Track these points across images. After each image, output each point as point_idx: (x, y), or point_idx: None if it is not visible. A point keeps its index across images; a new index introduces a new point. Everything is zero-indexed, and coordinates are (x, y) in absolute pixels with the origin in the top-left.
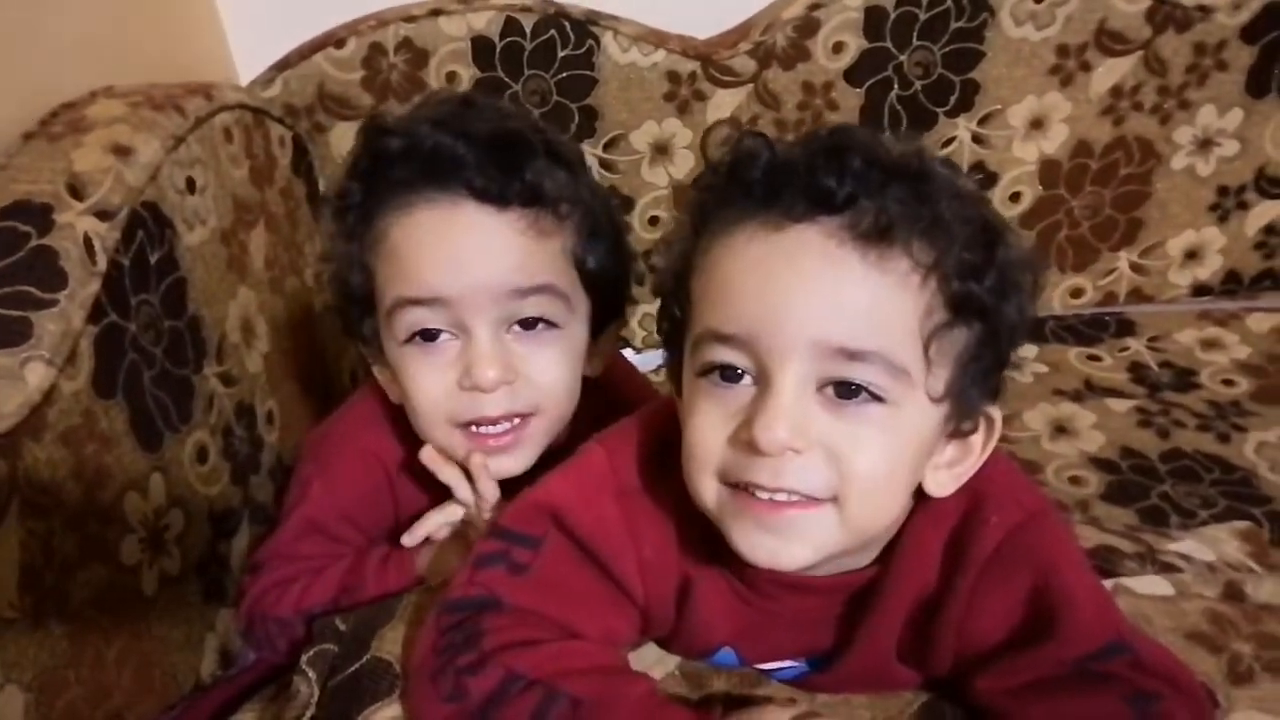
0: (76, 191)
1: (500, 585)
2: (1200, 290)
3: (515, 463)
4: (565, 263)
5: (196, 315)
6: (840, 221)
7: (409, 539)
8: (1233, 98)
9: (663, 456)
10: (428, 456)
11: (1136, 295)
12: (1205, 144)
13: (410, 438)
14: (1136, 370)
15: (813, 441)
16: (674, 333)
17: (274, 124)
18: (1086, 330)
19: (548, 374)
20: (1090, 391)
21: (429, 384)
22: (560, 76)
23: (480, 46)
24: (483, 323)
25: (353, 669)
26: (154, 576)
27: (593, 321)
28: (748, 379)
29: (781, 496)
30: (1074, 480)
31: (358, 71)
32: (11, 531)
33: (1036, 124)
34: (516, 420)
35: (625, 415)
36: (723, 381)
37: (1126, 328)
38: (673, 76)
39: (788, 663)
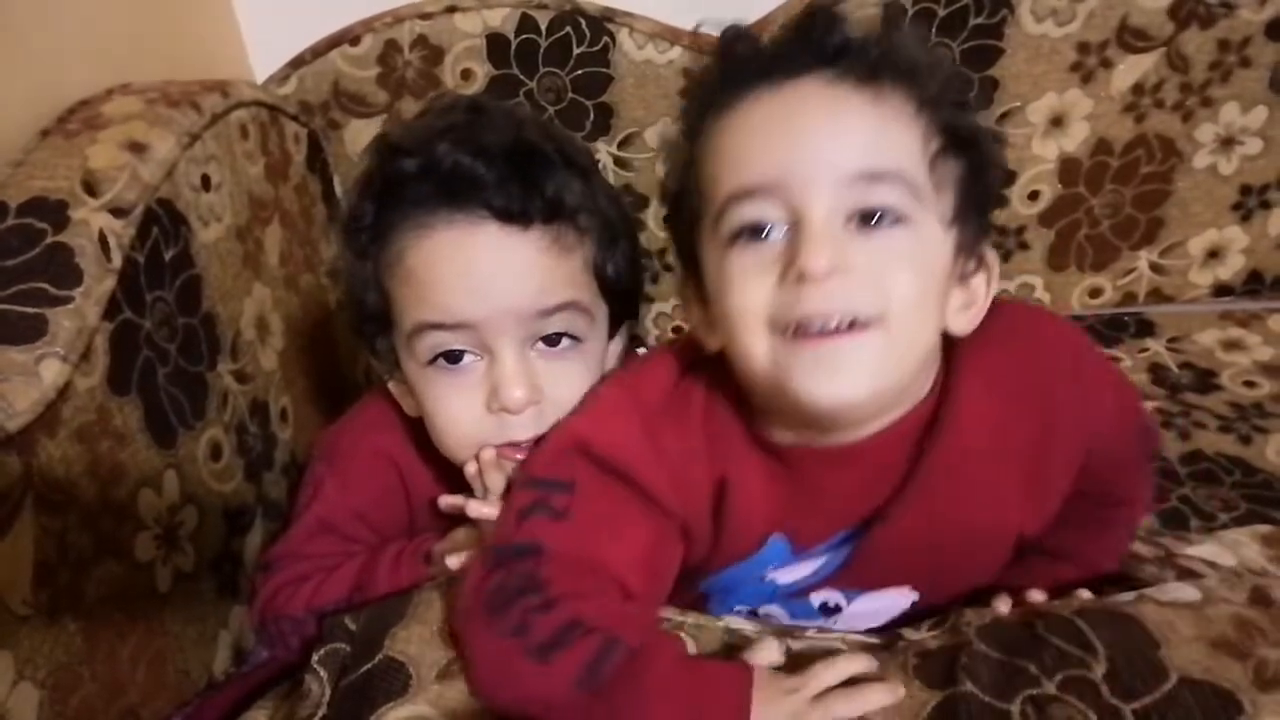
0: (92, 188)
1: (546, 534)
2: (1222, 290)
3: None
4: (586, 276)
5: (211, 312)
6: (835, 71)
7: (454, 562)
8: (1256, 95)
9: (679, 374)
10: (447, 504)
11: (1156, 295)
12: (1228, 142)
13: (422, 439)
14: (1156, 371)
15: (852, 266)
16: (689, 228)
17: (289, 121)
18: (1106, 331)
19: (572, 391)
20: None
21: (455, 408)
22: (575, 74)
23: (495, 43)
24: (508, 344)
25: (365, 669)
26: (168, 573)
27: (613, 318)
28: (777, 232)
29: (834, 322)
30: None
31: (373, 69)
32: (26, 528)
33: (1056, 121)
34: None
35: None
36: (754, 239)
37: (1146, 328)
38: (689, 73)
39: (834, 540)
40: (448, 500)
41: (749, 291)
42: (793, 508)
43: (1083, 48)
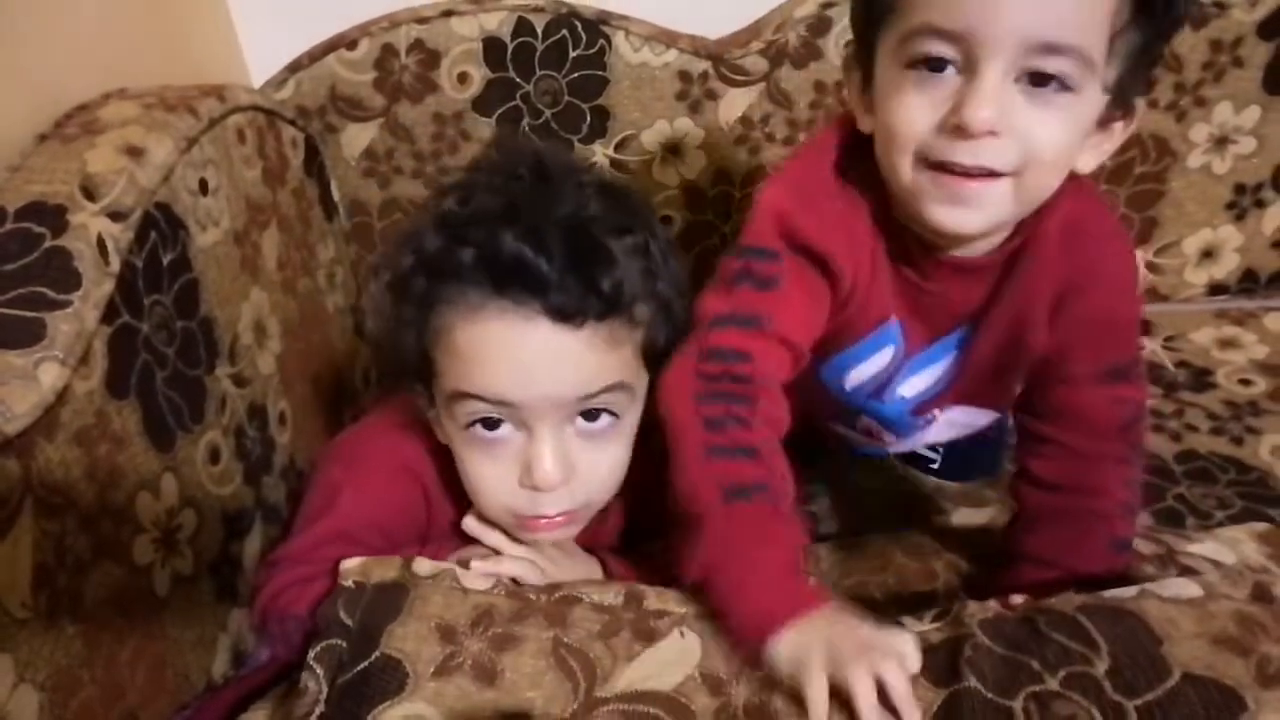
0: (90, 193)
1: (757, 304)
2: (1217, 289)
3: (563, 535)
4: (635, 360)
5: (209, 316)
6: None
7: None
8: (1250, 94)
9: (846, 163)
10: (471, 526)
11: (1152, 294)
12: (1222, 141)
13: (447, 452)
14: (1153, 370)
15: (1009, 126)
16: (873, 24)
17: (286, 125)
18: None
19: (605, 470)
20: None
21: (489, 477)
22: (572, 76)
23: (492, 47)
24: (545, 424)
25: (361, 667)
26: (167, 576)
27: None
28: (952, 70)
29: (974, 170)
30: None
31: (370, 73)
32: (25, 531)
33: None
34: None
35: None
36: (930, 72)
37: (1142, 327)
38: (684, 76)
39: (936, 348)
40: (473, 526)
41: (913, 119)
42: (914, 308)
43: None
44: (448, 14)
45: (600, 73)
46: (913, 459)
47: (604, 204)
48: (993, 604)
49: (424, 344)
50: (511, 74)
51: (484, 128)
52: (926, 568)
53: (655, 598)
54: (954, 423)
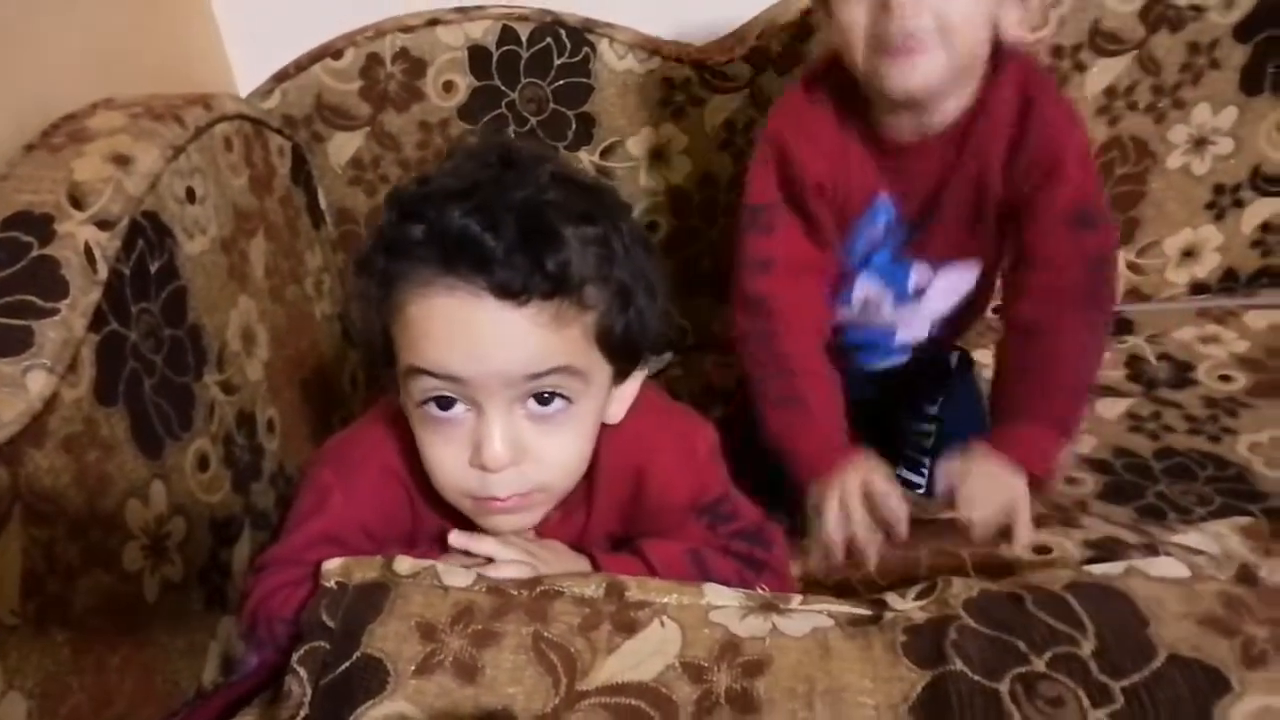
0: (77, 201)
1: (763, 248)
2: (1198, 288)
3: (521, 521)
4: (585, 343)
5: (197, 324)
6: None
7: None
8: (1227, 96)
9: (815, 84)
10: (458, 540)
11: (1135, 295)
12: (1200, 142)
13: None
14: (1134, 365)
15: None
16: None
17: (272, 134)
18: None
19: (557, 454)
20: None
21: (441, 456)
22: (557, 84)
23: (477, 55)
24: (496, 403)
25: (344, 667)
26: (156, 583)
27: (619, 372)
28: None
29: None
30: (1070, 480)
31: (356, 81)
32: (14, 538)
33: None
34: (523, 495)
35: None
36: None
37: (1125, 326)
38: (669, 83)
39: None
40: (461, 539)
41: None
42: (892, 174)
43: (1057, 52)
44: (433, 23)
45: (585, 80)
46: (900, 479)
47: (564, 191)
48: (976, 582)
49: (384, 321)
50: (497, 82)
51: (470, 135)
52: (910, 556)
53: (637, 588)
54: (946, 290)
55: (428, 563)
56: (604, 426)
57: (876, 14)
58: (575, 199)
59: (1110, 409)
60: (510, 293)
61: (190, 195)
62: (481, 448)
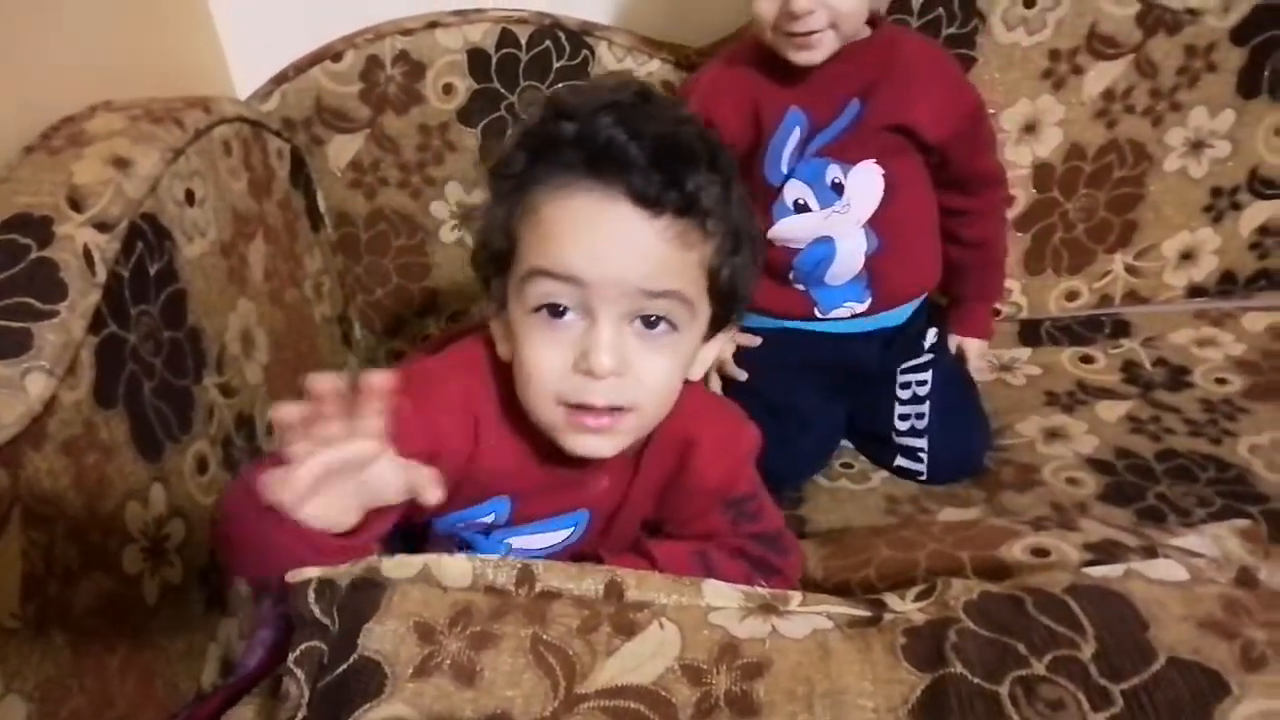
0: (76, 204)
1: None
2: (1196, 291)
3: (607, 446)
4: (699, 273)
5: (196, 326)
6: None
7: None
8: (1224, 99)
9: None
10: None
11: (1132, 297)
12: (1198, 145)
13: (505, 394)
14: (1130, 369)
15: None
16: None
17: (272, 137)
18: (1082, 331)
19: (656, 375)
20: (1083, 393)
21: (545, 358)
22: (556, 87)
23: (476, 58)
24: (609, 312)
25: (341, 669)
26: (155, 586)
27: (712, 326)
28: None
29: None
30: (1071, 481)
31: (355, 84)
32: (13, 541)
33: (1029, 128)
34: (616, 411)
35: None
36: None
37: (1122, 328)
38: (667, 86)
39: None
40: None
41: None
42: (799, 91)
43: (1054, 55)
44: (432, 26)
45: (584, 83)
46: (900, 470)
47: (697, 134)
48: (977, 584)
49: (512, 222)
50: (496, 84)
51: (469, 138)
52: (909, 558)
53: (636, 588)
54: (861, 189)
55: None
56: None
57: (781, 11)
58: (704, 142)
59: (1110, 411)
60: (646, 201)
61: (189, 198)
62: (590, 352)
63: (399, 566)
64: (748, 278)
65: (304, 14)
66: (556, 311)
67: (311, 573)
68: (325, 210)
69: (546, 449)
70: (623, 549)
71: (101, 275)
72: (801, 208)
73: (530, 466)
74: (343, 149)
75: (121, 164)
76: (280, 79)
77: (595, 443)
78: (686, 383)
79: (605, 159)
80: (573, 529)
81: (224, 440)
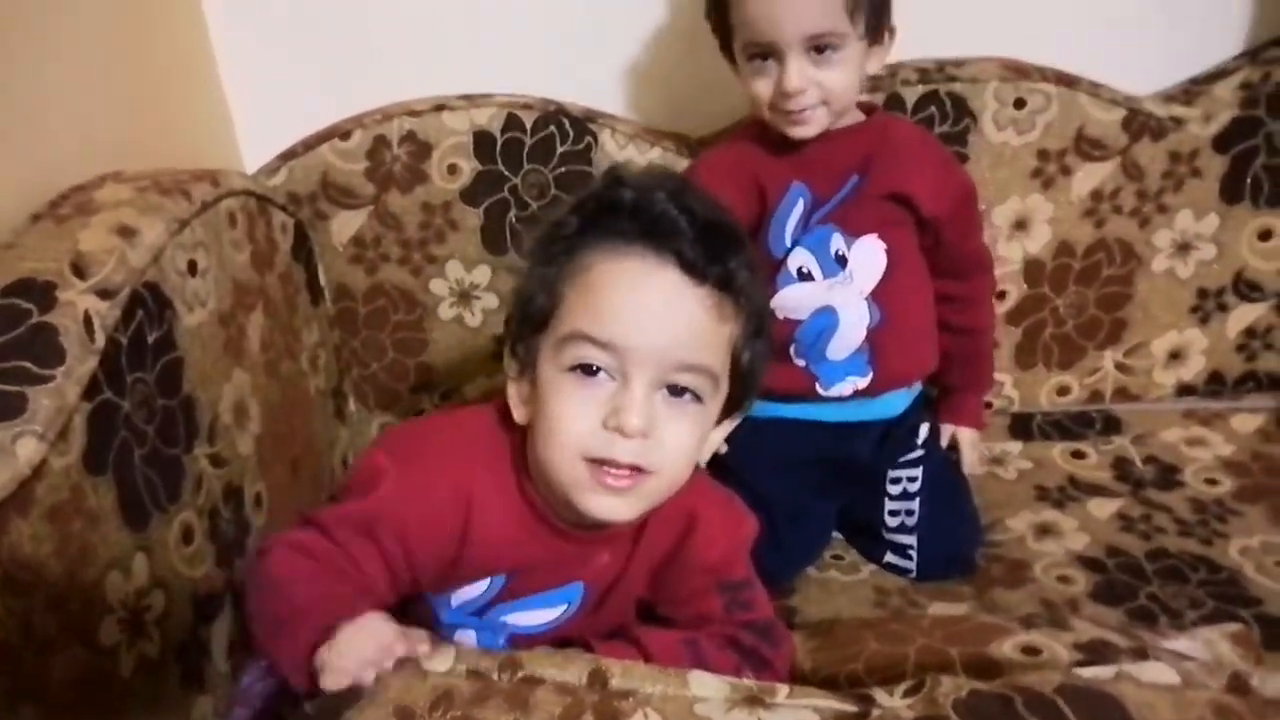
0: (80, 271)
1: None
2: (1185, 391)
3: (624, 509)
4: (727, 351)
5: (190, 395)
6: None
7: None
8: (1208, 203)
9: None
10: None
11: (1122, 394)
12: (1184, 247)
13: (514, 465)
14: (1121, 466)
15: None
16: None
17: (277, 210)
18: (1073, 427)
19: (678, 441)
20: (1074, 489)
21: (576, 414)
22: (559, 171)
23: (482, 140)
24: (642, 377)
25: None
26: (132, 659)
27: (726, 403)
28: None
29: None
30: (1062, 578)
31: (362, 162)
32: None
33: (1020, 224)
34: (638, 472)
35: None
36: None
37: (1113, 425)
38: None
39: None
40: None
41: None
42: (803, 165)
43: (1043, 155)
44: (440, 108)
45: (586, 168)
46: (890, 566)
47: (735, 221)
48: (966, 681)
49: (559, 282)
50: (500, 167)
51: (472, 217)
52: (899, 652)
53: (620, 676)
54: (865, 261)
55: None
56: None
57: (776, 90)
58: (740, 229)
59: (1101, 509)
60: (693, 269)
61: (192, 268)
62: (622, 410)
63: None
64: (763, 365)
65: (315, 94)
66: (590, 370)
67: None
68: (325, 284)
69: (551, 522)
70: (612, 630)
71: (100, 342)
72: (805, 276)
73: (531, 540)
74: (346, 224)
75: (127, 233)
76: (288, 155)
77: (613, 504)
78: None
79: (659, 227)
80: (566, 605)
81: (211, 511)
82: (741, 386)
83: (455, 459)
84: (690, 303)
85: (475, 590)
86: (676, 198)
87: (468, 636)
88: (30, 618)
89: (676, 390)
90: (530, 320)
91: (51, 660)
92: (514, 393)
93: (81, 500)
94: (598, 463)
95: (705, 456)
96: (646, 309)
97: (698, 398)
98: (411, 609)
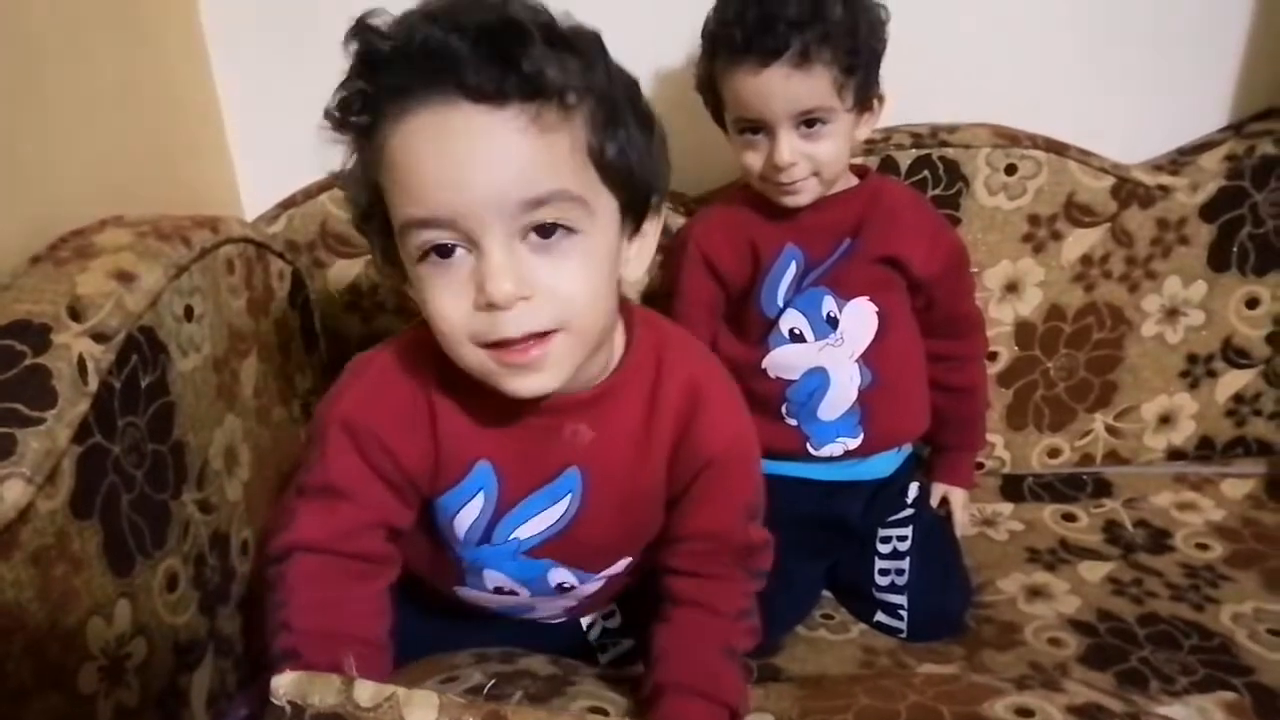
0: (76, 314)
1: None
2: (1175, 455)
3: (546, 380)
4: (579, 161)
5: (181, 440)
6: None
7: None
8: (1196, 271)
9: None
10: None
11: (1113, 457)
12: (1173, 313)
13: (454, 367)
14: (1111, 530)
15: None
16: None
17: (275, 258)
18: (1064, 489)
19: (569, 285)
20: (1065, 551)
21: (446, 305)
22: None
23: None
24: (493, 237)
25: None
26: (110, 707)
27: (628, 219)
28: (462, 251)
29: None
30: (1053, 641)
31: None
32: None
33: (1011, 287)
34: (540, 338)
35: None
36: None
37: (1103, 488)
38: (664, 230)
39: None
40: None
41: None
42: (796, 229)
43: (1033, 220)
44: None
45: None
46: (880, 626)
47: (531, 12)
48: None
49: (370, 173)
50: None
51: None
52: (890, 709)
53: None
54: (856, 324)
55: (389, 690)
56: (660, 345)
57: (767, 163)
58: (551, 24)
59: (1092, 572)
60: (484, 94)
61: (188, 313)
62: (485, 283)
63: (368, 693)
64: (644, 151)
65: (316, 143)
66: (444, 252)
67: (288, 688)
68: (321, 331)
69: (504, 402)
70: (650, 545)
71: (93, 385)
72: (797, 337)
73: (496, 424)
74: (343, 273)
75: (125, 277)
76: (288, 203)
77: (532, 380)
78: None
79: (428, 61)
80: (570, 496)
81: (197, 558)
82: (627, 186)
83: (406, 368)
84: (498, 133)
85: (469, 491)
86: (441, 17)
87: (499, 578)
88: (6, 664)
89: (544, 230)
90: (371, 223)
91: (27, 708)
92: (410, 292)
93: (66, 545)
94: (494, 346)
95: (638, 271)
96: (454, 162)
97: (571, 229)
98: (437, 558)
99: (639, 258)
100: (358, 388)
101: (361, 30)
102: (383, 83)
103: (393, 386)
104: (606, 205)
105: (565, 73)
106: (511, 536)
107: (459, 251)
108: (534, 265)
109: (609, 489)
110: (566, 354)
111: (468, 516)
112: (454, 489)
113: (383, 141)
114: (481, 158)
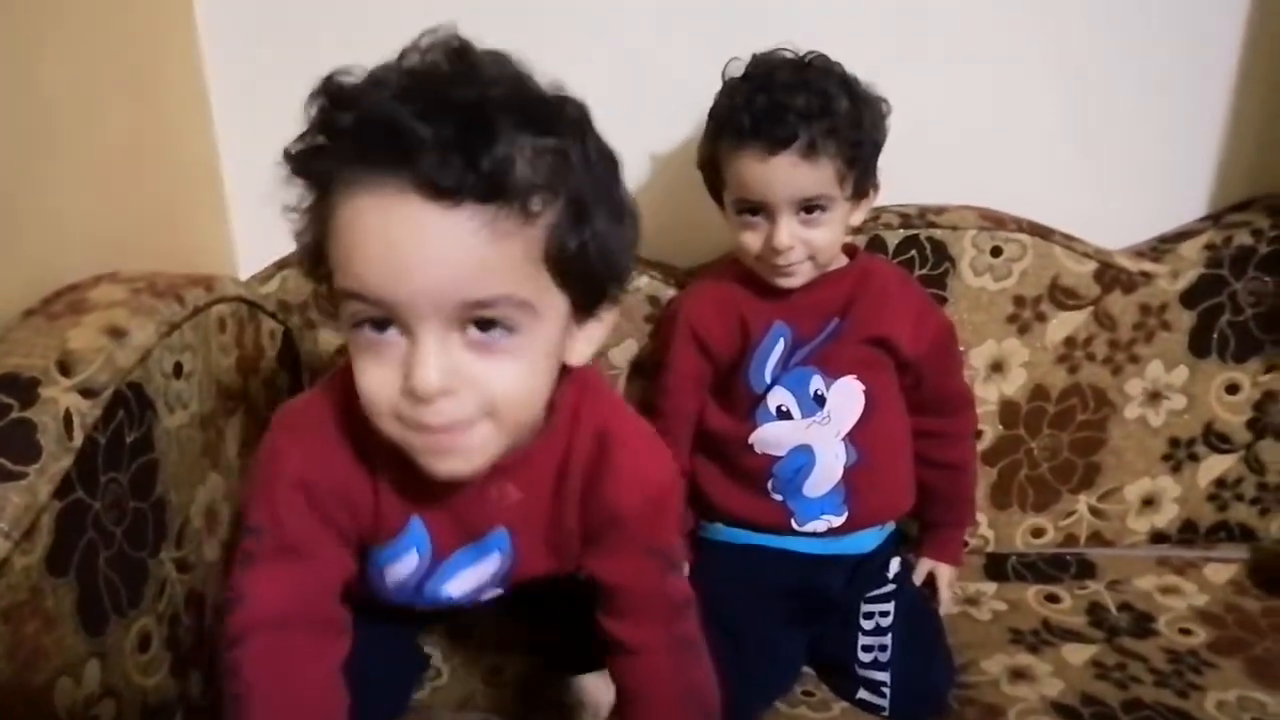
0: (66, 368)
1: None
2: (1158, 538)
3: (460, 465)
4: (532, 265)
5: (163, 498)
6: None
7: None
8: (1178, 356)
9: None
10: None
11: (1096, 538)
12: (1155, 396)
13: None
14: (1095, 612)
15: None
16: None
17: (267, 318)
18: (1048, 569)
19: (501, 384)
20: (1048, 633)
21: (374, 381)
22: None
23: None
24: (428, 329)
25: None
26: None
27: (579, 306)
28: (394, 330)
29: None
30: None
31: None
32: None
33: (996, 367)
34: (463, 428)
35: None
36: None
37: (1087, 569)
38: (653, 300)
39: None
40: None
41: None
42: (786, 308)
43: (1018, 301)
44: None
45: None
46: (863, 704)
47: (517, 93)
48: None
49: (313, 231)
50: None
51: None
52: None
53: None
54: (843, 402)
55: None
56: (578, 397)
57: (764, 245)
58: (530, 104)
59: (1075, 655)
60: (438, 190)
61: (178, 370)
62: (411, 374)
63: None
64: (609, 245)
65: None
66: (378, 326)
67: None
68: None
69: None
70: (567, 566)
71: (78, 440)
72: (784, 414)
73: (429, 481)
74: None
75: (117, 333)
76: (283, 264)
77: (452, 463)
78: (574, 374)
79: (385, 145)
80: (498, 554)
81: (171, 618)
82: (585, 285)
83: (345, 420)
84: (449, 233)
85: (404, 549)
86: (415, 94)
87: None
88: None
89: (483, 324)
90: (315, 275)
91: None
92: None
93: (39, 602)
94: (415, 426)
95: (583, 356)
96: (397, 253)
97: (511, 329)
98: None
99: (588, 342)
100: (301, 444)
101: (327, 90)
102: (338, 151)
103: (336, 441)
104: (556, 304)
105: (534, 172)
106: (443, 593)
107: (392, 331)
108: (467, 360)
109: (536, 541)
110: (490, 442)
111: (402, 570)
112: (390, 543)
113: (332, 205)
114: (426, 253)
